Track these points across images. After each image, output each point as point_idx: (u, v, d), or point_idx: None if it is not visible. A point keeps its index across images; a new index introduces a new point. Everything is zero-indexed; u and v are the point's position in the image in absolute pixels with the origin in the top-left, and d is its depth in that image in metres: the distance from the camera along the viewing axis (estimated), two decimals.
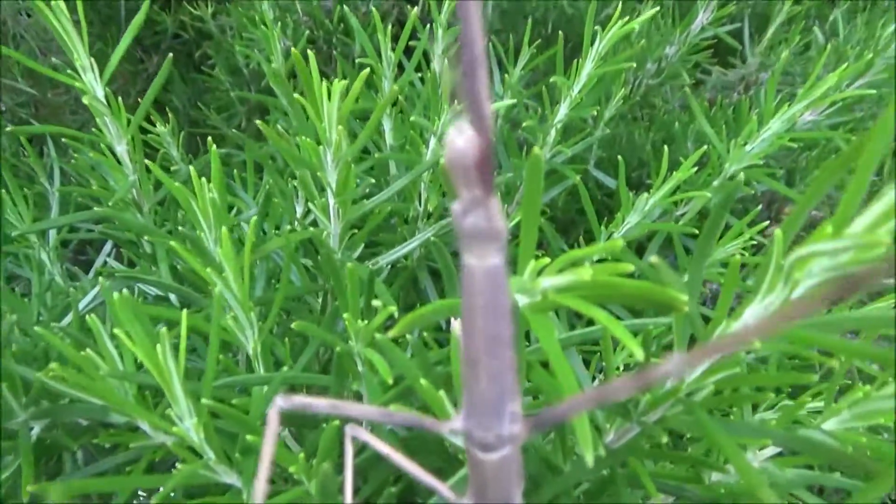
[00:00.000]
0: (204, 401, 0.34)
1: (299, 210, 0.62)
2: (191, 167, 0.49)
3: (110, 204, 0.59)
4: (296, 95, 0.48)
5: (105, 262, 0.85)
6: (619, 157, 0.88)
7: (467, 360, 0.21)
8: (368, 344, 0.39)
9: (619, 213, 0.92)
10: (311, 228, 0.54)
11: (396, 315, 0.51)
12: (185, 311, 0.37)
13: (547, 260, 0.29)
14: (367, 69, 0.50)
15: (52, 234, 0.89)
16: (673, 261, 1.22)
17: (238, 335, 0.44)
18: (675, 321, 0.30)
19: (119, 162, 0.64)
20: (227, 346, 0.52)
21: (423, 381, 0.31)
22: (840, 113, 1.08)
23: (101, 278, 0.53)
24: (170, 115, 1.07)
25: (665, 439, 0.31)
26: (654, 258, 0.26)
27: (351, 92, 0.49)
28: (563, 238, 1.13)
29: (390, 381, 0.36)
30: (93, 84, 0.59)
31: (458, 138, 0.18)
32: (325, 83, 0.48)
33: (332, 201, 0.53)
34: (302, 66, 0.48)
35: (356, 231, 0.56)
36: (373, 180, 0.63)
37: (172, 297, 0.66)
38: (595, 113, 1.09)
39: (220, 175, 0.49)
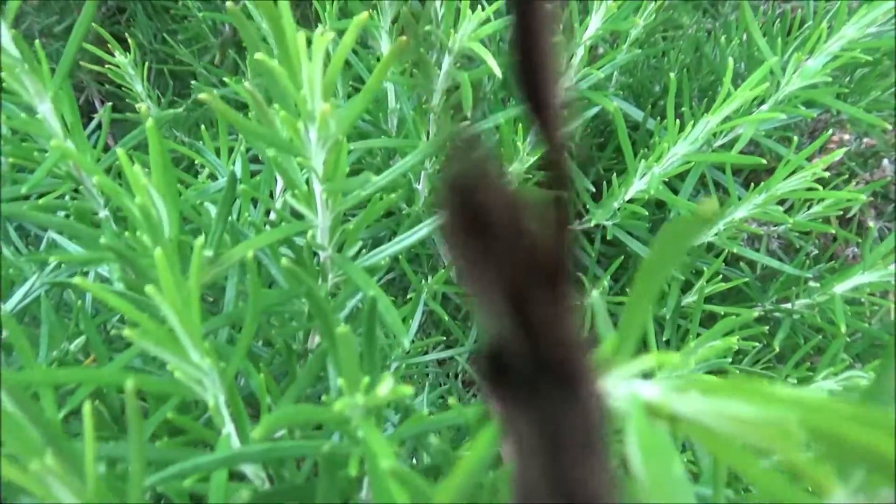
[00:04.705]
0: None
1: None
2: (118, 150, 0.36)
3: (25, 189, 0.45)
4: (259, 56, 0.34)
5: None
6: (670, 75, 0.74)
7: None
8: (369, 413, 0.28)
9: (664, 142, 0.79)
10: (292, 221, 0.41)
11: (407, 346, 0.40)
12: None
13: (670, 357, 0.17)
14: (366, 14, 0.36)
15: None
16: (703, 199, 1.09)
17: (192, 386, 0.33)
18: None
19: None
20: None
21: None
22: None
23: None
24: (132, 45, 0.91)
25: None
26: None
27: (340, 47, 0.36)
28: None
29: None
30: None
31: None
32: (302, 32, 0.34)
33: (318, 189, 0.40)
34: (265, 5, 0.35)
35: (349, 219, 0.43)
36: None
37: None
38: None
39: (163, 162, 0.37)
